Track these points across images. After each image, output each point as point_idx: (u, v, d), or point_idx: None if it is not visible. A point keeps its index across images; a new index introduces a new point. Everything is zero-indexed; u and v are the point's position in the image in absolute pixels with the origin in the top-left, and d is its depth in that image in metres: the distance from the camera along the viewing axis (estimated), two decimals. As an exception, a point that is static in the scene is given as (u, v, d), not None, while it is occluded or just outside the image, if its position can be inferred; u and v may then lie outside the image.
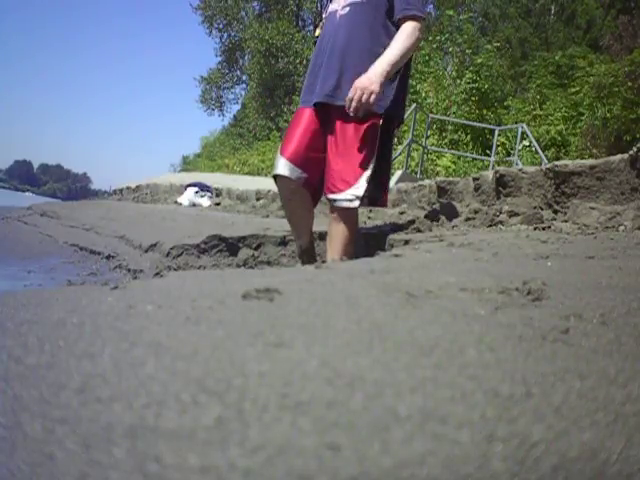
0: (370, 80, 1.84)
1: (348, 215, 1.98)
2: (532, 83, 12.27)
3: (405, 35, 1.92)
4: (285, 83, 19.49)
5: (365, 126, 1.94)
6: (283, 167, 2.05)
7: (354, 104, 1.85)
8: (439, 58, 12.00)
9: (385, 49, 1.91)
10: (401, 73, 2.01)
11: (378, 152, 1.94)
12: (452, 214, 2.53)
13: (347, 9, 2.04)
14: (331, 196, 1.98)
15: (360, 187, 1.91)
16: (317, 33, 2.24)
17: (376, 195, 1.98)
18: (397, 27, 1.99)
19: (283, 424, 0.34)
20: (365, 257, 1.59)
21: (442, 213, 2.58)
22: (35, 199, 16.02)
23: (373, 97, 1.84)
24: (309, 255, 2.22)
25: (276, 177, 2.09)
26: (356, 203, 1.93)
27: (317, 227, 2.32)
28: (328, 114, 2.03)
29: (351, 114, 1.89)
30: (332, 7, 2.12)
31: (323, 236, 2.40)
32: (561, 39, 14.43)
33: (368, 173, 1.91)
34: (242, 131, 21.99)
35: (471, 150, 10.00)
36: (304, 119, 2.09)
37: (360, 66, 1.92)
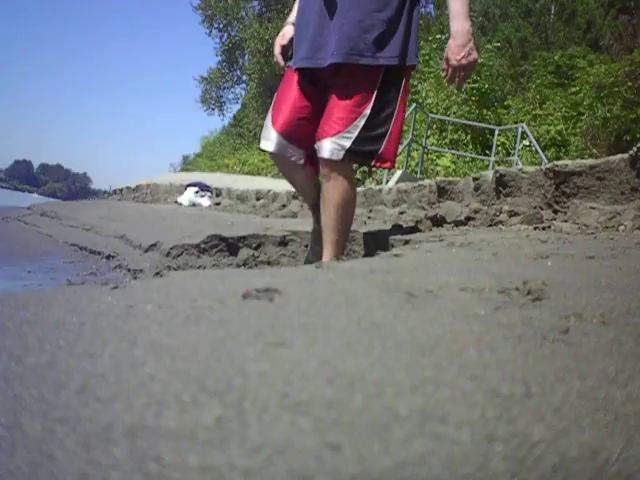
0: (460, 47, 1.70)
1: (338, 170, 1.78)
2: (532, 83, 12.29)
3: None
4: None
5: (359, 80, 1.76)
6: (276, 145, 1.88)
7: (460, 80, 1.75)
8: (439, 58, 12.01)
9: None
10: (406, 10, 1.77)
11: (377, 104, 1.75)
12: (452, 214, 2.53)
13: None
14: (317, 144, 1.79)
15: (348, 136, 1.73)
16: None
17: (372, 149, 1.77)
18: None
19: (283, 424, 0.34)
20: (365, 257, 1.59)
21: (442, 213, 2.58)
22: (41, 200, 15.98)
23: (473, 64, 1.72)
24: (318, 209, 2.02)
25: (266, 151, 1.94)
26: (340, 155, 1.73)
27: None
28: (315, 74, 1.84)
29: (458, 88, 1.82)
30: None
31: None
32: (561, 39, 14.43)
33: (360, 123, 1.73)
34: (242, 131, 21.99)
35: (471, 150, 10.01)
36: (294, 87, 1.89)
37: (349, 15, 1.71)
